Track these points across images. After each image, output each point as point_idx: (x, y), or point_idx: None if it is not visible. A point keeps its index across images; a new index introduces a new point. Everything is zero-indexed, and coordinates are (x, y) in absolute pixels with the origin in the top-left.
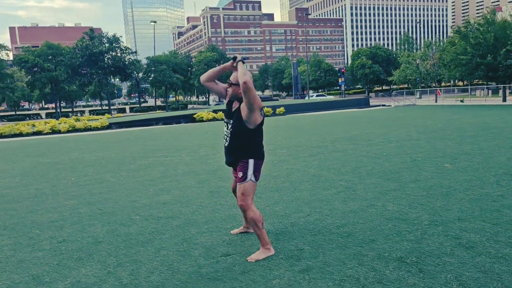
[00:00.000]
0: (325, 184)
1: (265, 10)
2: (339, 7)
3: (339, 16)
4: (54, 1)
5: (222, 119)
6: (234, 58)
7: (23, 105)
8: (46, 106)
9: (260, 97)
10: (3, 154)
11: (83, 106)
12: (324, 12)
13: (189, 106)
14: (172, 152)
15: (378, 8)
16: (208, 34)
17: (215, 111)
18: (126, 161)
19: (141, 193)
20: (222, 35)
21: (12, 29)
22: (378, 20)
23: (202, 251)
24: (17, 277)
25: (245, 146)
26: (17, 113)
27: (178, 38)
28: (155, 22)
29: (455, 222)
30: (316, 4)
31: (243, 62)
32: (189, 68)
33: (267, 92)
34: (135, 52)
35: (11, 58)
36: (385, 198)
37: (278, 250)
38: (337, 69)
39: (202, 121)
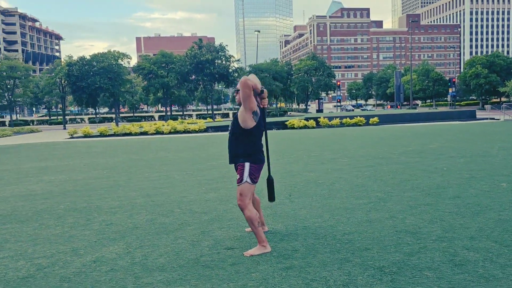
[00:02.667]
0: (362, 194)
1: (374, 17)
2: (456, 12)
3: (456, 21)
4: (176, 13)
5: (313, 127)
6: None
7: (143, 108)
8: (161, 109)
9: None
10: (107, 150)
11: (193, 110)
12: (440, 18)
13: (289, 113)
14: None
15: (503, 13)
16: (313, 42)
17: (306, 119)
18: (198, 161)
19: (194, 190)
20: (328, 43)
21: (138, 39)
22: (502, 26)
23: (211, 243)
24: (62, 248)
25: (240, 148)
26: (135, 114)
27: (285, 46)
28: (258, 31)
29: (464, 240)
30: (430, 10)
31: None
32: (289, 76)
33: (371, 101)
34: (239, 60)
35: (132, 65)
36: (411, 211)
37: (275, 248)
38: (447, 78)
39: (294, 128)
